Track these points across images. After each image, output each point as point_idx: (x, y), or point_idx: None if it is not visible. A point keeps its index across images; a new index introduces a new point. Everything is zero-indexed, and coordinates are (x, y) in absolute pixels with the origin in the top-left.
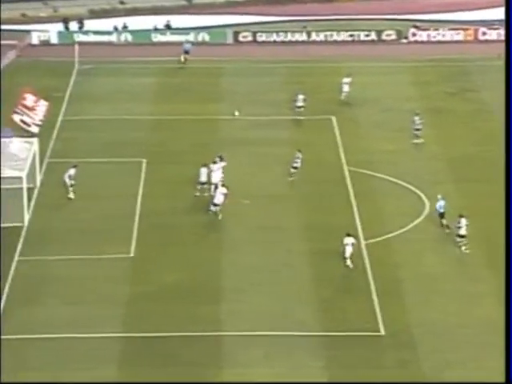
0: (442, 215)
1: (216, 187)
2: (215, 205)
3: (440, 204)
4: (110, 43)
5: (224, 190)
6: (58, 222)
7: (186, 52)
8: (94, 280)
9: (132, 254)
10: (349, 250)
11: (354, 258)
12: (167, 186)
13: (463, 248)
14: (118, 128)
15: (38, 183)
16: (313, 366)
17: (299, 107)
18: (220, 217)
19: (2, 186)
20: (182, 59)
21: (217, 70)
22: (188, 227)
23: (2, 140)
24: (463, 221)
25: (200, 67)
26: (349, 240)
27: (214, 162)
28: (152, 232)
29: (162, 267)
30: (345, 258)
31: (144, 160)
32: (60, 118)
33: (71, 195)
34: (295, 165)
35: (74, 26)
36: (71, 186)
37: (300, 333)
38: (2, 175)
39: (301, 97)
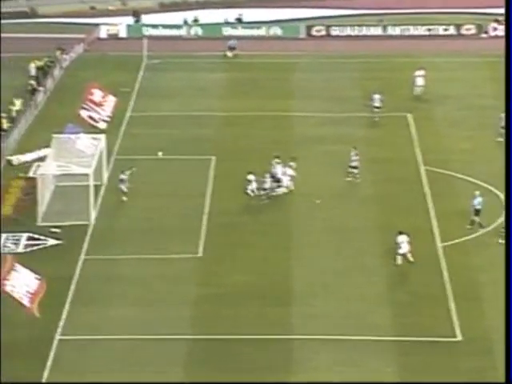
0: (477, 212)
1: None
2: (264, 189)
3: (478, 200)
4: (179, 37)
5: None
6: (124, 220)
7: (232, 48)
8: (160, 280)
9: (200, 254)
10: (405, 248)
11: (408, 255)
12: (237, 184)
13: None
14: (187, 124)
15: (105, 180)
16: (385, 371)
17: (376, 107)
18: (265, 201)
19: (69, 183)
20: (229, 54)
21: (289, 65)
22: (258, 227)
23: (69, 136)
24: None
25: (272, 62)
26: (402, 238)
27: (286, 165)
28: (221, 231)
29: (230, 268)
30: (397, 255)
31: (213, 157)
32: (128, 114)
33: (124, 198)
34: (354, 164)
35: (143, 19)
36: (124, 191)
37: (372, 337)
38: (68, 172)
39: (377, 96)
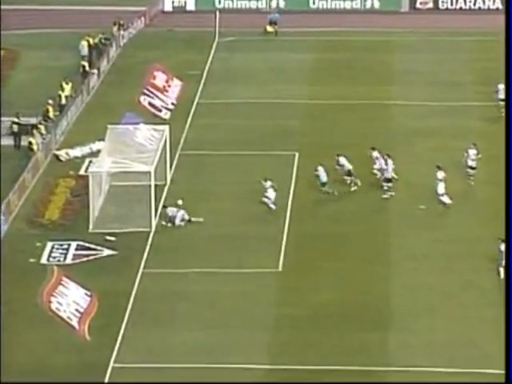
0: None
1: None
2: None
3: None
4: (257, 11)
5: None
6: (191, 227)
7: (273, 23)
8: (233, 299)
9: (280, 269)
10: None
11: None
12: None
13: None
14: (266, 114)
15: (169, 180)
16: None
17: (502, 100)
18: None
19: (126, 183)
20: (270, 29)
21: (388, 45)
22: (349, 236)
23: (127, 127)
24: None
25: (367, 41)
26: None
27: (386, 160)
28: (305, 241)
29: (315, 285)
30: (500, 267)
31: (296, 153)
32: (196, 102)
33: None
34: (471, 163)
35: None
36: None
37: (484, 370)
38: (126, 169)
39: (502, 87)
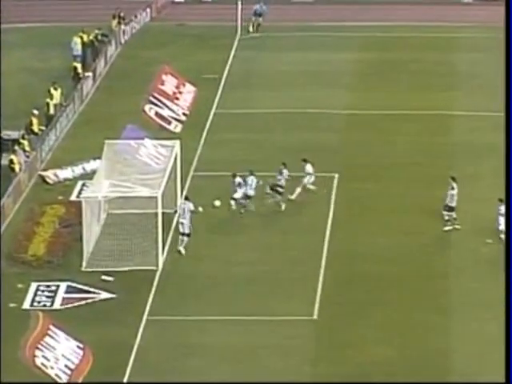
0: None
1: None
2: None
3: None
4: (288, 0)
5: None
6: (206, 264)
7: (258, 15)
8: (257, 353)
9: (315, 317)
10: None
11: None
12: (372, 214)
13: None
14: (296, 127)
15: (179, 207)
16: None
17: None
18: None
19: (128, 211)
20: (252, 25)
21: (447, 41)
22: (400, 277)
23: (129, 143)
24: None
25: (421, 37)
26: None
27: (452, 188)
28: (345, 284)
29: (358, 337)
30: None
31: (335, 175)
32: (213, 112)
33: (181, 248)
34: None
35: None
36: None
37: None
38: (127, 194)
39: None
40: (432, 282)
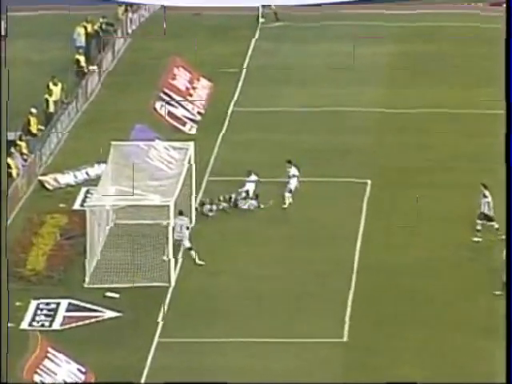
0: None
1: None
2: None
3: None
4: None
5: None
6: (224, 279)
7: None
8: (283, 379)
9: (345, 339)
10: None
11: None
12: (409, 224)
13: None
14: (325, 127)
15: (194, 216)
16: None
17: None
18: None
19: (136, 221)
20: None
21: (493, 32)
22: (437, 295)
23: (138, 145)
24: None
25: (465, 27)
26: None
27: (485, 196)
28: (379, 303)
29: (392, 361)
30: None
31: (368, 181)
32: (231, 110)
33: (198, 260)
34: None
35: None
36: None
37: None
38: (136, 202)
39: None
40: (475, 300)
